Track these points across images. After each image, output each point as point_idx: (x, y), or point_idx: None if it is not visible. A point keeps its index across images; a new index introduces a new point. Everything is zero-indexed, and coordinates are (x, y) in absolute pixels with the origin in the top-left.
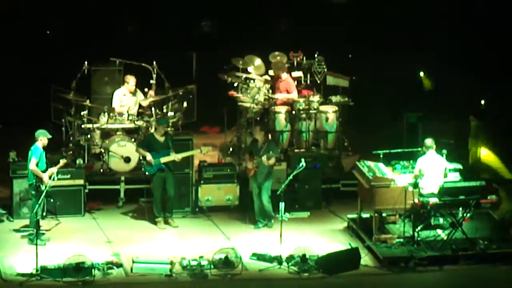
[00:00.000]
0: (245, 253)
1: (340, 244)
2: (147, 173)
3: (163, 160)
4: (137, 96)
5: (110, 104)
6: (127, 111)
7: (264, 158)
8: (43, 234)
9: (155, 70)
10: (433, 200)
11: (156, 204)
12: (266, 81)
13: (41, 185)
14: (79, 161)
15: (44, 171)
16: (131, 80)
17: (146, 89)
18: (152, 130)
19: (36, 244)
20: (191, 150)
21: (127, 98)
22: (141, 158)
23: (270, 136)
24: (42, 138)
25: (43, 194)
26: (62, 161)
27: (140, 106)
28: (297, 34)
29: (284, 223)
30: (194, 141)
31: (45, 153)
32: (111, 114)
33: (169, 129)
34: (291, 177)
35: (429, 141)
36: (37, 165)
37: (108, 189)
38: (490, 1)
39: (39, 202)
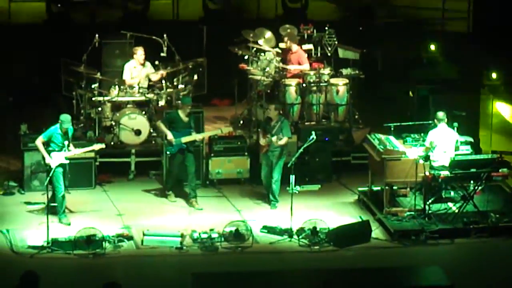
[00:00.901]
0: (256, 226)
1: (351, 217)
2: (168, 152)
3: (184, 139)
4: (147, 68)
5: (121, 77)
6: (138, 84)
7: (274, 138)
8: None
9: (165, 43)
10: (444, 173)
11: (169, 180)
12: (277, 54)
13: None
14: (90, 134)
15: (58, 151)
16: (139, 50)
17: (156, 62)
18: (162, 103)
19: (47, 217)
20: (209, 131)
21: (137, 70)
22: (151, 130)
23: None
24: (60, 122)
25: (51, 172)
26: (97, 146)
27: (150, 80)
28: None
29: (295, 196)
30: (205, 114)
31: (65, 137)
32: (121, 87)
33: (179, 102)
34: (301, 150)
35: (440, 114)
36: (47, 144)
37: (118, 162)
38: None
39: (47, 178)
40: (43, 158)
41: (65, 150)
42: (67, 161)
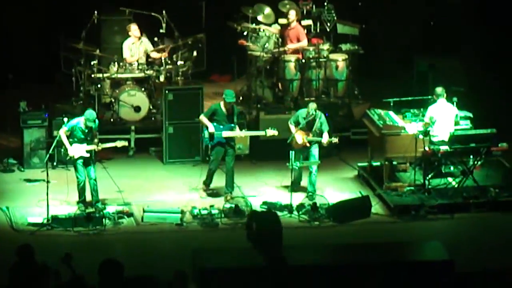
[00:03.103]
0: (256, 202)
1: (351, 193)
2: (206, 144)
3: (225, 134)
4: (144, 44)
5: (121, 55)
6: (137, 60)
7: (325, 139)
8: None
9: (164, 19)
10: (444, 148)
11: (209, 174)
12: (277, 31)
13: (66, 153)
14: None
15: (79, 144)
16: (132, 26)
17: (156, 39)
18: (161, 79)
19: (47, 194)
20: (256, 130)
21: (135, 46)
22: (150, 106)
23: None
24: (85, 119)
25: (54, 144)
26: (120, 143)
27: (150, 56)
28: None
29: (295, 171)
30: (205, 90)
31: (86, 130)
32: (121, 63)
33: (179, 78)
34: (301, 125)
35: (439, 89)
36: (69, 135)
37: (118, 139)
38: None
39: (47, 155)
40: (65, 149)
41: (86, 143)
42: (88, 155)
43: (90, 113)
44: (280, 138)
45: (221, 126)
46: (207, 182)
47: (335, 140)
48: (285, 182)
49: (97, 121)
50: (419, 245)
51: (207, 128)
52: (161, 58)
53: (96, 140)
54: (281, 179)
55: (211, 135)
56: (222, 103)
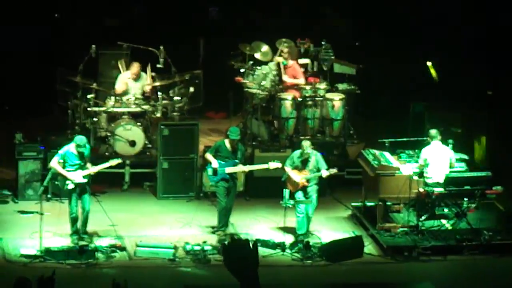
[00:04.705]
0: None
1: (344, 232)
2: (210, 181)
3: (228, 170)
4: (142, 81)
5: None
6: (134, 95)
7: (325, 173)
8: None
9: (162, 54)
10: (438, 190)
11: (220, 214)
12: (277, 67)
13: (66, 182)
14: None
15: (74, 171)
16: (135, 67)
17: (153, 73)
18: (157, 115)
19: (41, 226)
20: (258, 164)
21: (130, 82)
22: (145, 141)
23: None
24: (76, 145)
25: (48, 176)
26: (114, 162)
27: (144, 92)
28: (303, 21)
29: (288, 209)
30: (200, 126)
31: (79, 156)
32: (117, 97)
33: (175, 114)
34: (295, 164)
35: (433, 132)
36: (62, 164)
37: (113, 173)
38: None
39: (42, 187)
40: (64, 177)
41: (81, 169)
42: (85, 180)
43: (80, 139)
44: (274, 176)
45: (223, 162)
46: (222, 224)
47: (333, 170)
48: (282, 223)
49: (88, 146)
50: (411, 286)
51: (211, 164)
52: (155, 91)
53: (89, 165)
54: (274, 217)
55: (215, 171)
56: (227, 140)
